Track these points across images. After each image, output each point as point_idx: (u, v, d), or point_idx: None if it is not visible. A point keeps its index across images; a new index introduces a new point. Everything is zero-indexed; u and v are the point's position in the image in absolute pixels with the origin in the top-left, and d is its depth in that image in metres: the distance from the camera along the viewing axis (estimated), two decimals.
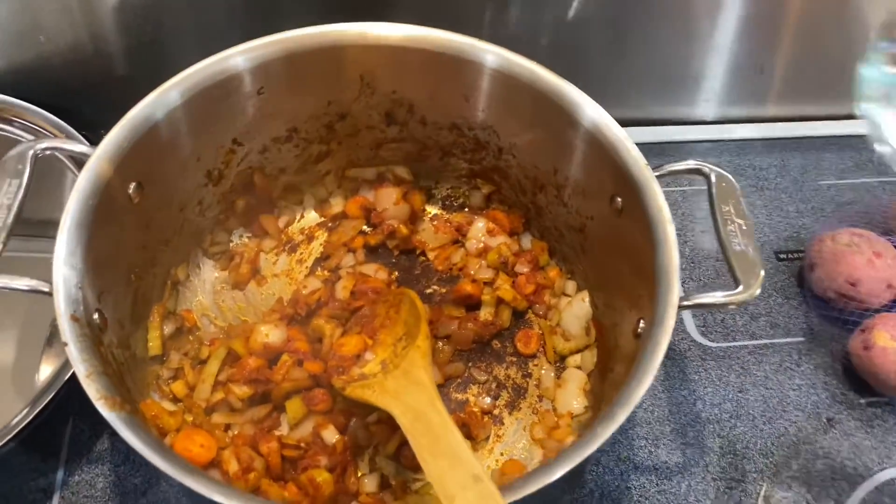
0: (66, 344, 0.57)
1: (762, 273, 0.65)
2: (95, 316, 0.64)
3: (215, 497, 0.51)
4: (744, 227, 0.68)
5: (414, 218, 0.92)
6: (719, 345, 0.91)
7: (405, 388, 0.68)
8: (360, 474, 0.74)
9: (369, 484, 0.74)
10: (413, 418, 0.65)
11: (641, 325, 0.67)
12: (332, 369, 0.74)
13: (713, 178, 0.71)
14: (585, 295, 0.85)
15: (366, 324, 0.77)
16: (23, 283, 0.61)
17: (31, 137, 0.90)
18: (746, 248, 0.67)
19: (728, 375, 0.88)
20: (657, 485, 0.80)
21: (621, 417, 0.58)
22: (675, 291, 0.64)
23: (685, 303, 0.65)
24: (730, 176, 0.72)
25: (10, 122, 0.90)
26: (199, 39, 0.98)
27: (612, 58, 1.07)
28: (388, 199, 0.92)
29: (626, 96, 1.08)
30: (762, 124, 1.14)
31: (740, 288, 0.65)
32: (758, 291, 0.65)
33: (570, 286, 0.88)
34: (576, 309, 0.85)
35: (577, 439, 0.61)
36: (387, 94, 0.85)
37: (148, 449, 0.54)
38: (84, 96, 0.98)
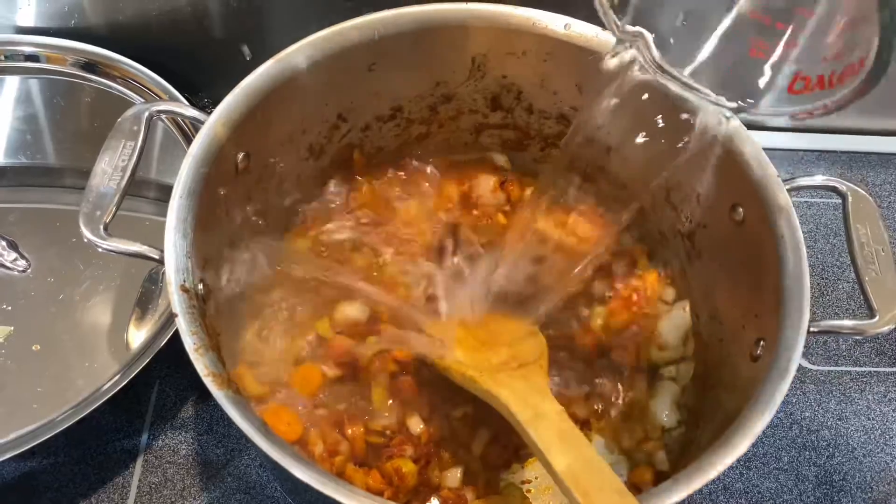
0: (175, 315, 0.56)
1: None
2: (200, 286, 0.63)
3: (333, 493, 0.49)
4: (882, 253, 0.63)
5: (512, 207, 0.89)
6: (821, 368, 0.87)
7: (524, 388, 0.64)
8: (442, 468, 0.73)
9: (451, 479, 0.72)
10: (534, 415, 0.60)
11: (761, 346, 0.64)
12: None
13: (850, 198, 0.67)
14: (686, 304, 0.81)
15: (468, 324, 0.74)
16: (133, 248, 0.60)
17: (134, 95, 0.89)
18: (884, 275, 0.62)
19: (828, 402, 0.84)
20: None
21: (742, 447, 0.55)
22: (804, 318, 0.60)
23: (813, 329, 0.61)
24: (868, 196, 0.67)
25: (115, 79, 0.90)
26: (300, 12, 0.96)
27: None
28: (486, 186, 0.89)
29: None
30: (877, 137, 1.08)
31: (876, 318, 0.61)
32: (894, 324, 0.60)
33: (670, 293, 0.84)
34: (675, 318, 0.81)
35: (689, 462, 0.58)
36: (496, 78, 0.82)
37: (255, 431, 0.52)
38: (182, 56, 0.98)
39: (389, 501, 0.51)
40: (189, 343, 0.56)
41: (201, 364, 0.55)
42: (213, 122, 0.66)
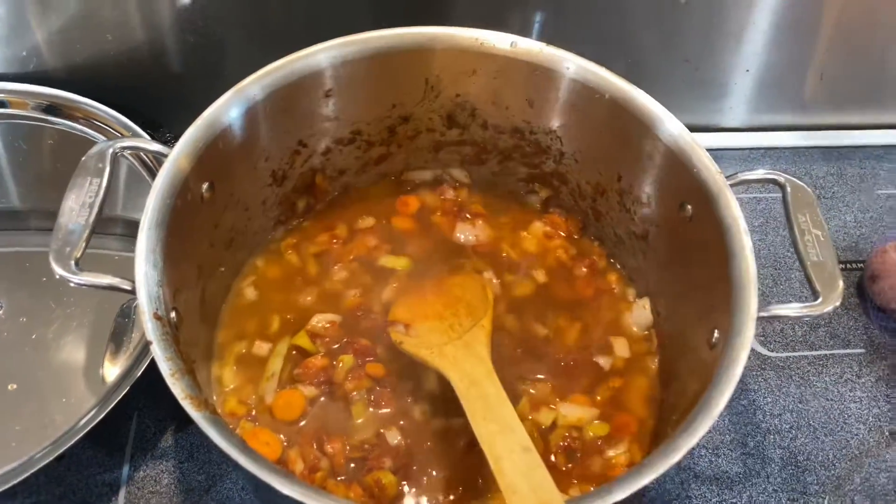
0: (150, 342, 0.58)
1: (841, 284, 0.65)
2: (173, 314, 0.64)
3: (310, 500, 0.51)
4: (821, 238, 0.67)
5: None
6: (779, 355, 0.90)
7: (464, 357, 0.71)
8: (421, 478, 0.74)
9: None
10: (469, 384, 0.67)
11: (716, 335, 0.67)
12: (388, 324, 0.78)
13: (788, 188, 0.70)
14: (647, 302, 0.84)
15: (426, 292, 0.80)
16: (105, 280, 0.61)
17: (97, 135, 0.91)
18: (825, 259, 0.66)
19: (788, 386, 0.88)
20: (718, 495, 0.80)
21: (703, 429, 0.58)
22: (753, 303, 0.64)
23: (762, 314, 0.64)
24: (805, 186, 0.71)
25: (77, 120, 0.92)
26: (258, 43, 0.99)
27: (665, 63, 1.07)
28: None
29: (678, 101, 1.07)
30: (818, 132, 1.13)
31: (819, 300, 0.64)
32: (838, 303, 0.64)
33: (630, 292, 0.87)
34: (637, 316, 0.85)
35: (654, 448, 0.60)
36: (450, 97, 0.85)
37: (237, 451, 0.54)
38: (142, 94, 0.99)
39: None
40: (165, 368, 0.57)
41: (178, 388, 0.56)
42: (177, 155, 0.68)
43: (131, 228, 0.88)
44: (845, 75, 1.09)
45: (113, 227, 0.90)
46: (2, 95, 0.92)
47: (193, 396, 0.56)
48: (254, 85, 0.72)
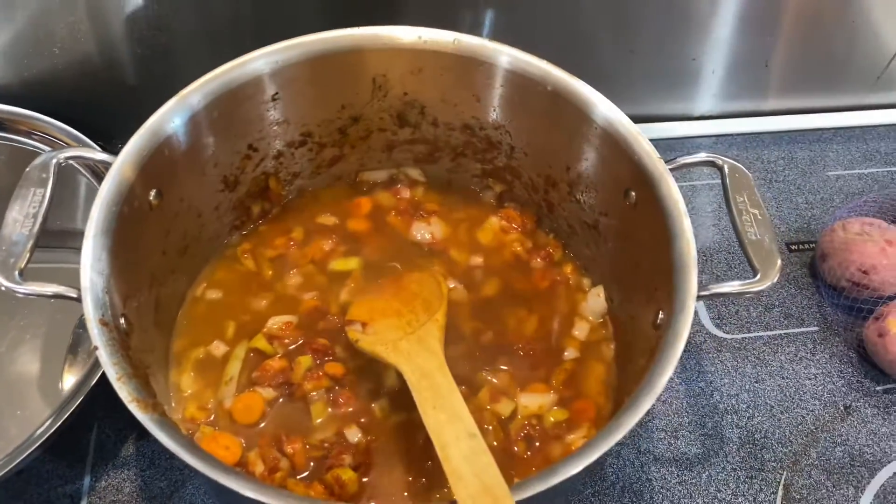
0: (95, 348, 0.58)
1: (779, 261, 0.66)
2: (122, 321, 0.64)
3: (261, 497, 0.52)
4: (759, 217, 0.69)
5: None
6: (734, 336, 0.92)
7: (417, 351, 0.72)
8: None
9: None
10: (420, 376, 0.69)
11: (661, 316, 0.68)
12: (346, 323, 0.79)
13: (726, 170, 0.72)
14: (601, 290, 0.85)
15: (383, 290, 0.82)
16: (51, 289, 0.61)
17: (47, 148, 0.91)
18: (762, 237, 0.68)
19: (744, 366, 0.89)
20: (678, 476, 0.81)
21: (645, 406, 0.59)
22: (693, 282, 0.65)
23: (703, 293, 0.66)
24: (742, 167, 0.73)
25: (26, 134, 0.92)
26: (208, 50, 0.99)
27: (616, 56, 1.08)
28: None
29: (631, 93, 1.09)
30: (768, 118, 1.15)
31: (758, 276, 0.66)
32: (775, 279, 0.65)
33: (585, 282, 0.88)
34: (591, 304, 0.86)
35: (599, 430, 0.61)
36: (398, 96, 0.86)
37: (184, 451, 0.54)
38: (94, 107, 1.00)
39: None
40: (111, 373, 0.57)
41: (125, 392, 0.57)
42: (121, 163, 0.68)
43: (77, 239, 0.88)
44: (794, 62, 1.11)
45: (72, 240, 0.90)
46: None
47: (140, 399, 0.57)
48: (195, 94, 0.73)
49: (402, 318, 0.78)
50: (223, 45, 0.93)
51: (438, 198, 0.95)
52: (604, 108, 0.75)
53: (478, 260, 0.91)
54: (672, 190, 0.71)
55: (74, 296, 0.62)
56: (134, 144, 0.70)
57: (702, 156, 0.75)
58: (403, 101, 0.87)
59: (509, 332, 0.84)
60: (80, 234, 0.89)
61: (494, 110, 0.85)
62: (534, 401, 0.79)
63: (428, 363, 0.71)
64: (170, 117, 0.72)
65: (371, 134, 0.91)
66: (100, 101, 1.00)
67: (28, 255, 0.62)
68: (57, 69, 0.96)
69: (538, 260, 0.90)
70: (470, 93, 0.85)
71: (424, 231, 0.91)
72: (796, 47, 1.10)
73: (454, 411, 0.65)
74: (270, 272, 0.87)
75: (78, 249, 0.89)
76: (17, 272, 0.61)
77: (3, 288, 0.61)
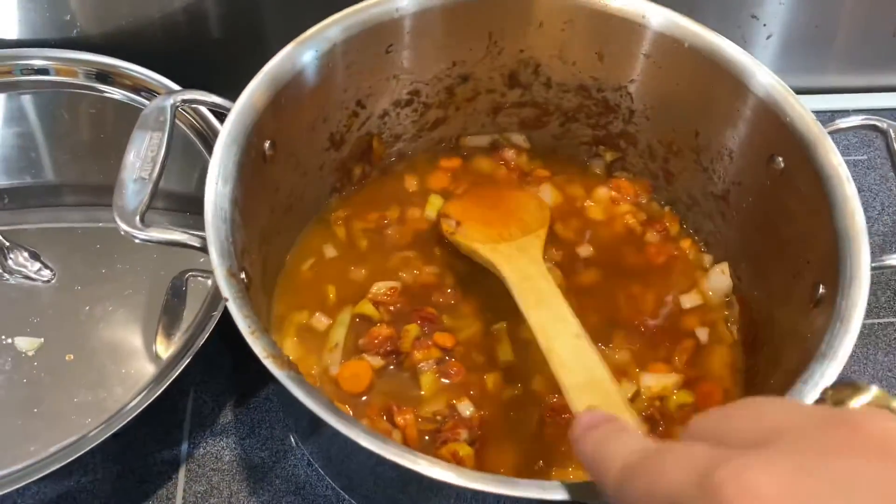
0: (226, 300, 0.54)
1: None
2: (243, 275, 0.60)
3: (415, 466, 0.47)
4: None
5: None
6: (864, 321, 0.85)
7: (518, 256, 0.71)
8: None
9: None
10: (522, 278, 0.68)
11: (821, 290, 0.62)
12: (441, 216, 0.79)
13: (892, 134, 0.66)
14: (725, 267, 0.80)
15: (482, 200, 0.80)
16: (173, 236, 0.57)
17: (146, 101, 0.87)
18: None
19: (875, 354, 0.83)
20: None
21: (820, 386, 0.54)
22: (865, 250, 0.60)
23: (875, 264, 0.60)
24: None
25: (126, 88, 0.88)
26: (299, 5, 0.94)
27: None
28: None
29: None
30: None
31: None
32: None
33: (706, 258, 0.83)
34: (713, 282, 0.80)
35: None
36: (514, 53, 0.81)
37: (326, 411, 0.50)
38: (186, 59, 0.95)
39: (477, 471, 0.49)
40: (244, 326, 0.53)
41: (259, 346, 0.52)
42: (241, 107, 0.64)
43: (174, 202, 0.85)
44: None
45: (154, 200, 0.86)
46: (45, 62, 0.88)
47: (276, 356, 0.52)
48: (335, 26, 0.69)
49: (493, 228, 0.77)
50: (307, 8, 0.89)
51: (542, 166, 0.90)
52: (759, 73, 0.69)
53: (586, 232, 0.85)
54: (831, 154, 0.65)
55: (198, 245, 0.57)
56: (252, 89, 0.66)
57: (859, 119, 0.69)
58: (518, 58, 0.82)
59: (622, 309, 0.79)
60: (161, 195, 0.87)
61: (618, 70, 0.80)
62: (657, 381, 0.73)
63: (529, 268, 0.69)
64: (288, 62, 0.68)
65: (478, 95, 0.86)
66: (191, 54, 0.96)
67: (148, 199, 0.59)
68: (152, 20, 0.92)
69: (653, 233, 0.84)
70: (592, 50, 0.79)
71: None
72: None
73: (558, 313, 0.63)
74: (365, 243, 0.82)
75: (160, 210, 0.87)
76: (137, 217, 0.57)
77: (123, 233, 0.57)
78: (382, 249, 0.81)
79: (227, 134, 0.62)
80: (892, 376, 0.81)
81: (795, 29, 1.03)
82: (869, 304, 0.85)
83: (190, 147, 0.85)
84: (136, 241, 0.57)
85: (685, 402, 0.73)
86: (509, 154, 0.89)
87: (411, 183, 0.87)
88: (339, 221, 0.83)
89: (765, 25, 1.02)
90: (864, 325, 0.83)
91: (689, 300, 0.79)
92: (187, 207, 0.83)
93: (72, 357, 0.70)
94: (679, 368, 0.75)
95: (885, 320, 0.85)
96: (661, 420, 0.72)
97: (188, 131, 0.85)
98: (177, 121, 0.85)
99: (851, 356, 0.81)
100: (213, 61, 0.98)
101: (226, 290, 0.54)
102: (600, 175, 0.89)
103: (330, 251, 0.81)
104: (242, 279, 0.60)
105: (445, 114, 0.87)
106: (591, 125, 0.87)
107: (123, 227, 0.57)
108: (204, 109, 0.84)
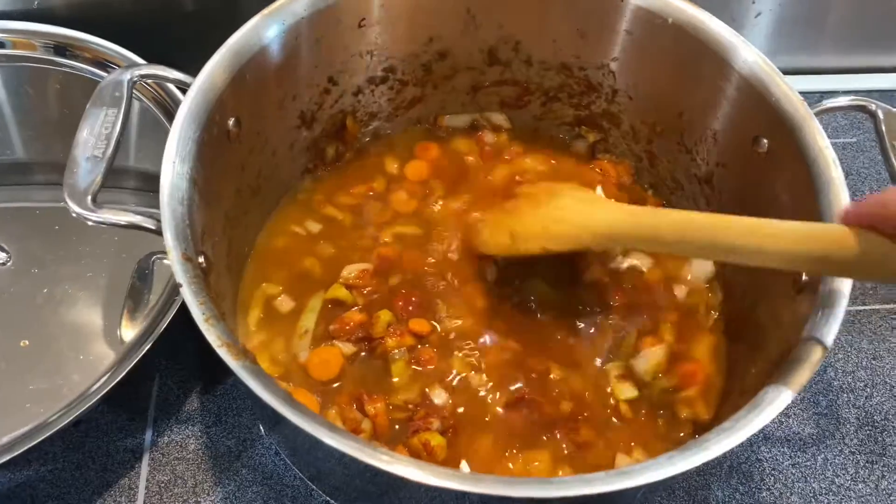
0: (179, 285, 0.51)
1: None
2: (201, 259, 0.57)
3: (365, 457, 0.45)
4: None
5: None
6: (848, 309, 0.83)
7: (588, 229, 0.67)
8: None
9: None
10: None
11: (804, 278, 0.60)
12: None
13: (881, 115, 0.63)
14: None
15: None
16: (126, 218, 0.54)
17: (104, 75, 0.84)
18: None
19: (860, 342, 0.81)
20: (791, 457, 0.74)
21: (804, 378, 0.51)
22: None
23: None
24: None
25: (87, 61, 0.84)
26: None
27: None
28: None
29: None
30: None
31: None
32: None
33: None
34: (696, 268, 0.78)
35: (748, 403, 0.54)
36: (493, 28, 0.78)
37: (282, 404, 0.47)
38: (153, 33, 0.92)
39: (440, 467, 0.47)
40: (198, 314, 0.51)
41: (213, 335, 0.50)
42: (202, 83, 0.61)
43: (145, 181, 0.82)
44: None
45: (125, 179, 0.83)
46: (4, 36, 0.84)
47: (231, 344, 0.50)
48: (283, 9, 0.66)
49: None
50: None
51: (523, 147, 0.87)
52: (743, 50, 0.67)
53: None
54: (817, 136, 0.63)
55: (152, 227, 0.55)
56: (214, 64, 0.63)
57: (847, 100, 0.66)
58: (497, 35, 0.79)
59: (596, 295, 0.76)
60: (132, 173, 0.84)
61: (600, 48, 0.77)
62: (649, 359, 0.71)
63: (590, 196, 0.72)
64: (253, 36, 0.65)
65: (457, 73, 0.83)
66: (158, 28, 0.92)
67: (101, 179, 0.56)
68: None
69: None
70: (574, 26, 0.77)
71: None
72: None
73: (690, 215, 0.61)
74: (348, 219, 0.79)
75: (131, 190, 0.84)
76: (89, 198, 0.55)
77: (74, 215, 0.54)
78: (360, 229, 0.79)
79: (186, 111, 0.59)
80: (877, 365, 0.80)
81: (787, 7, 1.00)
82: (853, 291, 0.84)
83: (159, 125, 0.82)
84: (89, 223, 0.54)
85: (666, 386, 0.71)
86: (488, 137, 0.86)
87: (392, 166, 0.84)
88: (315, 202, 0.80)
89: (754, 3, 0.99)
90: (848, 312, 0.82)
91: (668, 287, 0.77)
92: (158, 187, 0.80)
93: (27, 343, 0.68)
94: (668, 343, 0.72)
95: (870, 307, 0.84)
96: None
97: (156, 109, 0.82)
98: (145, 98, 0.84)
99: (835, 344, 0.80)
100: (184, 35, 0.94)
101: (180, 275, 0.51)
102: (584, 156, 0.87)
103: (303, 231, 0.78)
104: (200, 263, 0.57)
105: (423, 92, 0.84)
106: (574, 105, 0.84)
107: (74, 207, 0.54)
108: (171, 86, 0.81)
